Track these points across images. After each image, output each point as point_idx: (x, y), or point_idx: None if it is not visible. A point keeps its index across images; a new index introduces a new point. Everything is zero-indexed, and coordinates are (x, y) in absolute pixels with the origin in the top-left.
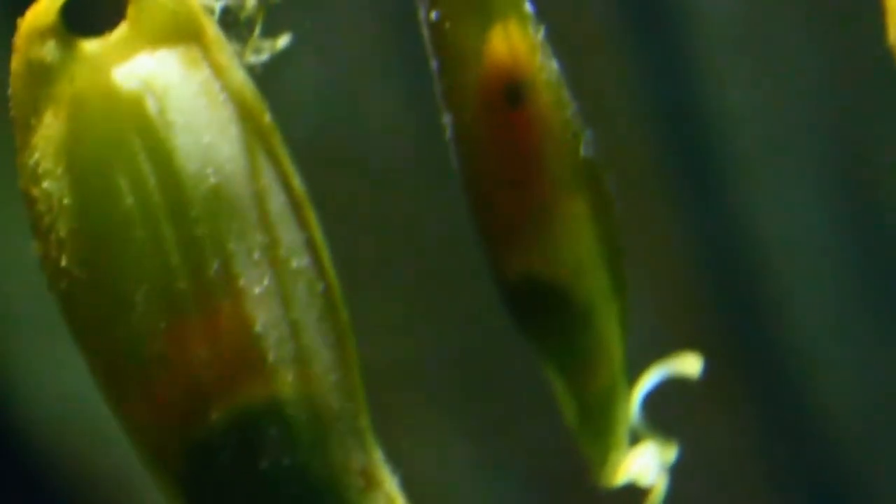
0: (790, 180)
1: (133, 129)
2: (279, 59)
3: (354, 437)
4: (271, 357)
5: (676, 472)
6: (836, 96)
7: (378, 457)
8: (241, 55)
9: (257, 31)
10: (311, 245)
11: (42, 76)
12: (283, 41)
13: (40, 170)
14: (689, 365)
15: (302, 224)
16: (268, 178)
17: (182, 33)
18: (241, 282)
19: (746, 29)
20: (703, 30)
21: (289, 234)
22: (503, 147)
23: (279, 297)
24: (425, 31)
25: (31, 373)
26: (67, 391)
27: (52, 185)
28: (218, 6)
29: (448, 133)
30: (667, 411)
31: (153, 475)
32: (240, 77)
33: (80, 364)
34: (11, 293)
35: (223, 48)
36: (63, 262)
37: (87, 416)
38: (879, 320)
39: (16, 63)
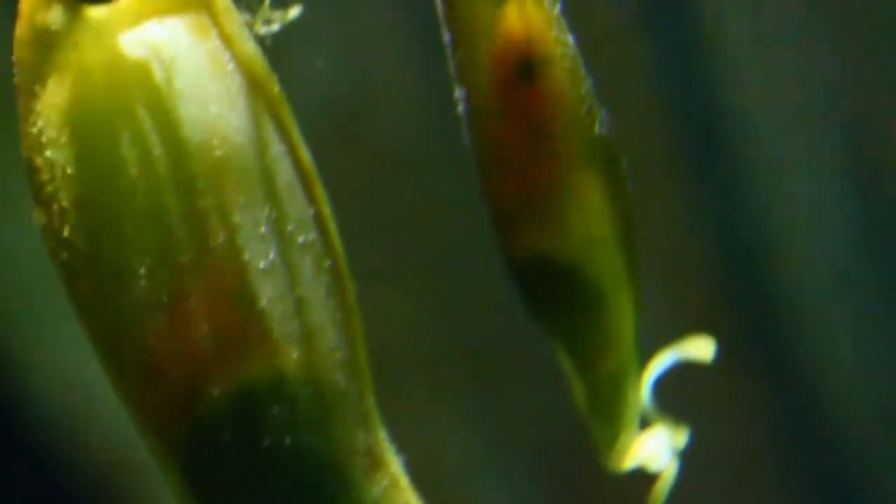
0: (804, 165)
1: (139, 97)
2: (290, 29)
3: (359, 416)
4: (275, 333)
5: (685, 458)
6: (853, 82)
7: (383, 437)
8: (251, 25)
9: (268, 0)
10: (318, 220)
11: (47, 43)
12: (293, 12)
13: (43, 138)
14: (702, 348)
15: (310, 198)
16: (276, 151)
17: (191, 1)
18: (246, 255)
19: (763, 14)
20: (719, 14)
21: (296, 209)
22: (516, 123)
23: (285, 272)
24: (439, 4)
25: (40, 361)
26: (77, 379)
27: (55, 153)
28: None
29: (461, 108)
30: (677, 395)
31: (154, 454)
32: (249, 47)
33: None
34: (20, 276)
35: (233, 17)
36: (65, 233)
37: (95, 402)
38: (894, 308)
39: (20, 29)
